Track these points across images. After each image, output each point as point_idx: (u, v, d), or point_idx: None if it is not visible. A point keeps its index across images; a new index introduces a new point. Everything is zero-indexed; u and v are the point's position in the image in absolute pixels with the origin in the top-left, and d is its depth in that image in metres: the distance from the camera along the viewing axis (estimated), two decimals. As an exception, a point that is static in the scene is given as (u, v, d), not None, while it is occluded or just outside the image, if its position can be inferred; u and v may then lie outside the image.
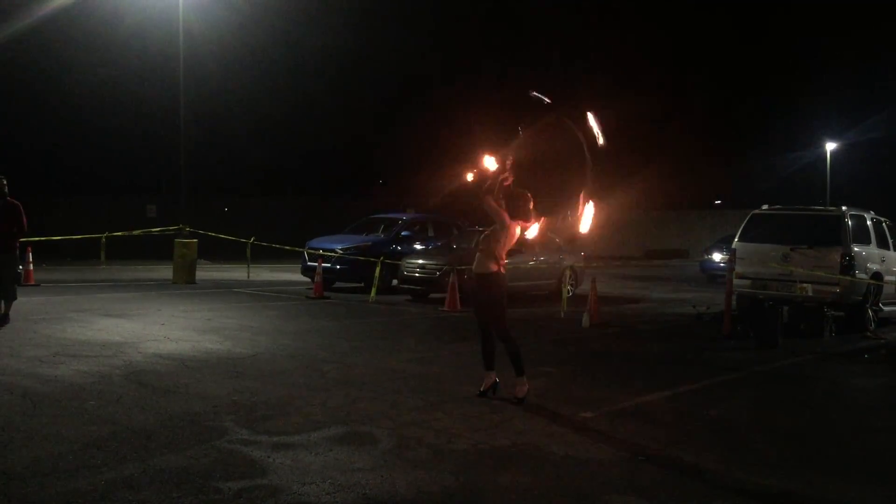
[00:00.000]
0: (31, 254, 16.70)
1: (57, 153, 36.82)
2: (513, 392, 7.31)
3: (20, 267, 11.01)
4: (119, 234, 21.18)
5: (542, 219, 7.38)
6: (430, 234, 19.60)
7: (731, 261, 13.39)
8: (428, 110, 53.42)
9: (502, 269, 7.25)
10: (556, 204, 8.02)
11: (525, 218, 7.29)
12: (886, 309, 14.05)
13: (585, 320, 12.99)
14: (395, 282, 17.11)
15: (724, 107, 64.29)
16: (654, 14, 70.57)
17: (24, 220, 10.92)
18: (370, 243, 18.13)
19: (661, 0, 69.46)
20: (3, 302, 10.94)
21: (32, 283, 16.35)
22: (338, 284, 18.05)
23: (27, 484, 4.78)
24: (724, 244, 23.51)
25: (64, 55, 35.31)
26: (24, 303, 12.76)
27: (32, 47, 32.58)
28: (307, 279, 18.24)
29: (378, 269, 15.95)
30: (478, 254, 7.31)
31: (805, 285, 13.05)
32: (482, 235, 7.37)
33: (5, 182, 10.79)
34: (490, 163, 7.19)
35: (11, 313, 11.03)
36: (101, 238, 20.30)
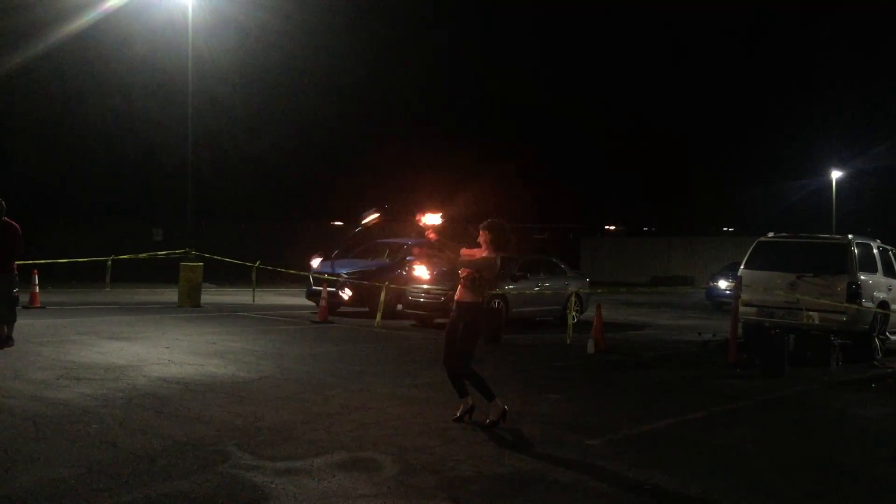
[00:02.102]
0: (36, 276, 16.74)
1: (63, 176, 37.00)
2: (485, 418, 7.34)
3: (16, 290, 10.89)
4: (125, 256, 21.23)
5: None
6: (435, 259, 19.59)
7: (736, 288, 13.35)
8: (433, 134, 53.74)
9: (484, 302, 7.41)
10: None
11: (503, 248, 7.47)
12: (893, 338, 13.97)
13: (591, 347, 12.94)
14: (399, 307, 17.09)
15: (730, 134, 64.58)
16: (662, 42, 71.15)
17: (21, 241, 10.81)
18: (375, 268, 18.15)
19: (668, 27, 70.06)
20: (4, 326, 10.81)
21: (38, 305, 16.37)
22: (343, 309, 18.04)
23: (29, 508, 4.76)
24: (729, 271, 23.48)
25: (71, 80, 35.63)
26: (29, 325, 12.77)
27: (39, 74, 32.86)
28: (312, 303, 18.23)
29: (383, 294, 15.93)
30: (459, 285, 7.42)
31: (811, 313, 13.00)
32: (463, 266, 7.43)
33: (4, 204, 10.74)
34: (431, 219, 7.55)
35: (16, 335, 10.98)
36: (106, 261, 20.35)
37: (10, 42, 26.23)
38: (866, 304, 12.93)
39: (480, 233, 7.48)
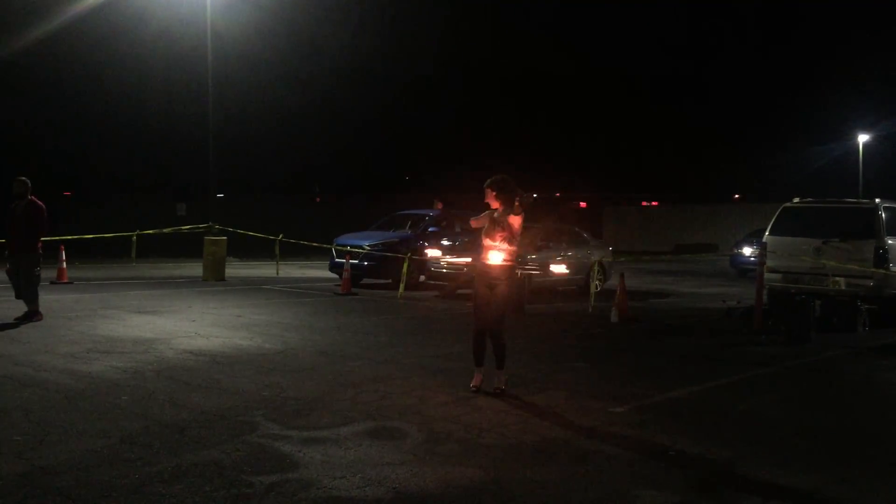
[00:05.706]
0: (63, 252, 16.93)
1: (88, 154, 37.30)
2: (495, 385, 7.42)
3: (38, 269, 10.99)
4: (150, 232, 21.39)
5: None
6: (457, 229, 19.58)
7: (761, 255, 13.23)
8: (452, 107, 53.46)
9: (514, 264, 7.45)
10: None
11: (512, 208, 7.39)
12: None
13: (614, 315, 12.91)
14: (422, 278, 17.13)
15: (754, 99, 63.72)
16: (686, 11, 70.10)
17: (45, 221, 10.92)
18: (397, 239, 18.17)
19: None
20: (29, 303, 10.92)
21: (66, 280, 16.58)
22: (365, 281, 18.12)
23: (63, 478, 4.86)
24: (754, 238, 23.26)
25: (93, 58, 35.79)
26: (58, 300, 12.96)
27: (63, 50, 33.04)
28: (335, 276, 18.32)
29: (405, 266, 15.97)
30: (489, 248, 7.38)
31: (838, 279, 12.86)
32: (488, 227, 7.41)
33: (29, 183, 10.87)
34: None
35: (44, 311, 11.13)
36: (131, 236, 20.53)
37: (30, 20, 26.34)
38: (894, 268, 12.77)
39: (486, 192, 7.41)
